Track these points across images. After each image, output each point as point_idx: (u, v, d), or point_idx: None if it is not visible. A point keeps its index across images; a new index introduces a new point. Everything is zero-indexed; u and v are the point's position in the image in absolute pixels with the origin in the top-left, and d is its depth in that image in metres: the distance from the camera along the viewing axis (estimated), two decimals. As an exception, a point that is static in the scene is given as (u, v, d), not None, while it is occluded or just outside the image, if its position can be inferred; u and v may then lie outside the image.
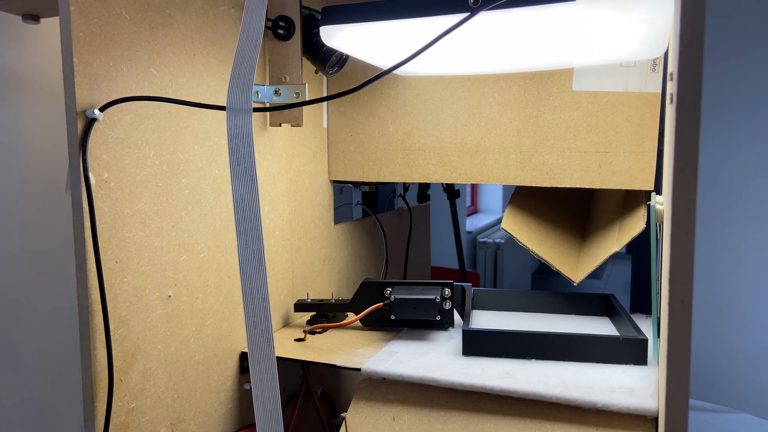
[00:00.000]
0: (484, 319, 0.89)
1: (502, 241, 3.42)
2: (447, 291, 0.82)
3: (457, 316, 0.87)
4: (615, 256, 0.83)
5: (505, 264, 3.43)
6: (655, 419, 0.61)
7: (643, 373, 0.68)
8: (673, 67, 0.44)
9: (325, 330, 0.86)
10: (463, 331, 0.75)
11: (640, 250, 2.51)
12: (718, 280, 1.79)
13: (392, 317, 0.81)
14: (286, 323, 0.90)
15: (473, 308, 0.94)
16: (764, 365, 1.74)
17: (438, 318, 0.80)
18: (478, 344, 0.74)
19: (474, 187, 4.25)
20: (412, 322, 0.85)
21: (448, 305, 0.82)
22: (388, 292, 0.82)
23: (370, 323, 0.86)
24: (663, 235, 0.58)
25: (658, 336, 0.69)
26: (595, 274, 0.91)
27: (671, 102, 0.44)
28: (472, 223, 3.74)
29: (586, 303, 0.90)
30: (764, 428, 1.50)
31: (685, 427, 0.40)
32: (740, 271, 1.77)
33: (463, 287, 0.84)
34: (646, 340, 0.70)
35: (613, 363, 0.71)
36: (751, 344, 1.76)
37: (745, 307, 1.77)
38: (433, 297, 0.79)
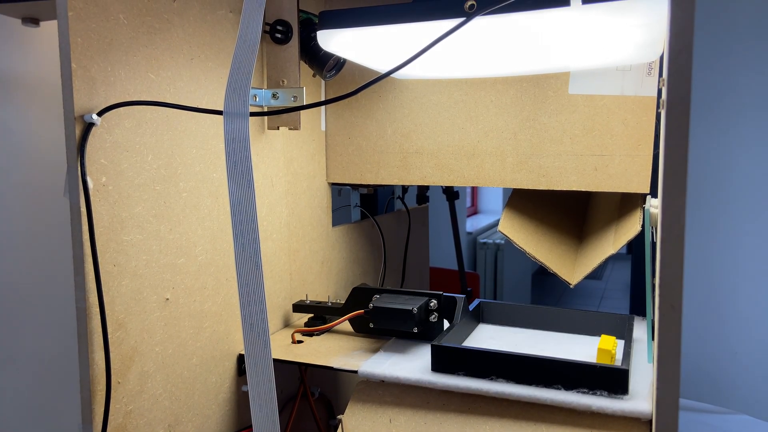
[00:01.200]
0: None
1: (502, 242, 3.42)
2: (434, 302, 0.79)
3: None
4: (615, 257, 0.83)
5: (505, 265, 3.43)
6: (650, 422, 0.61)
7: (638, 376, 0.68)
8: (664, 73, 0.45)
9: (312, 334, 0.86)
10: (431, 346, 0.71)
11: (640, 251, 2.51)
12: (716, 281, 1.79)
13: (371, 325, 0.80)
14: (285, 325, 0.91)
15: (482, 322, 0.91)
16: (762, 366, 1.74)
17: (415, 330, 0.77)
18: (446, 361, 0.70)
19: (474, 188, 4.25)
20: (390, 331, 0.83)
21: (434, 317, 0.79)
22: (375, 299, 0.80)
23: (361, 330, 0.86)
24: (657, 237, 0.58)
25: (653, 338, 0.69)
26: (595, 275, 0.91)
27: (663, 108, 0.45)
28: (472, 224, 3.74)
29: (603, 322, 0.84)
30: (762, 429, 1.51)
31: (676, 430, 0.40)
32: (739, 272, 1.77)
33: (454, 298, 0.82)
34: (625, 371, 0.63)
35: (588, 392, 0.64)
36: (749, 345, 1.76)
37: (743, 308, 1.77)
38: (410, 308, 0.76)
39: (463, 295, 0.82)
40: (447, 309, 0.82)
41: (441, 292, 0.81)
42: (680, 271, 0.38)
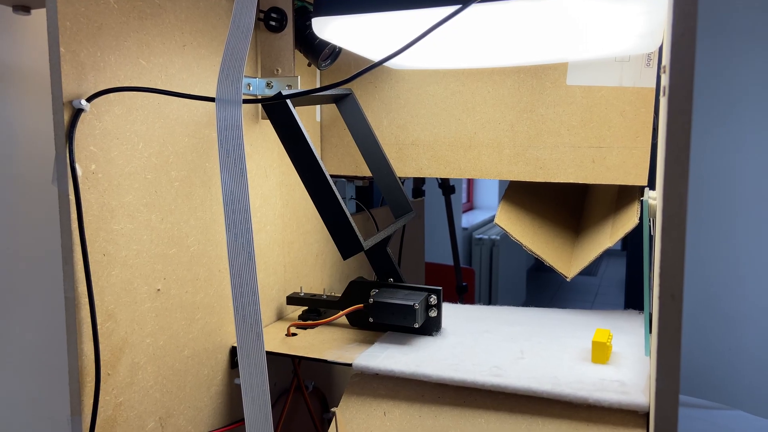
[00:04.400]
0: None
1: (498, 237, 3.42)
2: (433, 298, 0.78)
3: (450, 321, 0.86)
4: (610, 253, 0.82)
5: (500, 261, 3.43)
6: (647, 414, 0.61)
7: (634, 369, 0.68)
8: (666, 59, 0.44)
9: (306, 328, 0.85)
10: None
11: (634, 246, 2.52)
12: (713, 277, 1.79)
13: (370, 320, 0.79)
14: (278, 318, 0.90)
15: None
16: (758, 362, 1.74)
17: (416, 325, 0.76)
18: None
19: (470, 184, 4.24)
20: (391, 326, 0.82)
21: (434, 313, 0.79)
22: (374, 293, 0.79)
23: (357, 324, 0.84)
24: (656, 230, 0.58)
25: (650, 331, 0.69)
26: (589, 271, 0.89)
27: (664, 94, 0.44)
28: (467, 220, 3.73)
29: None
30: (757, 425, 1.51)
31: (676, 422, 0.39)
32: (735, 268, 1.77)
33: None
34: None
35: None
36: (745, 341, 1.76)
37: (738, 305, 1.77)
38: (411, 303, 0.75)
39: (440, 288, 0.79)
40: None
41: (440, 288, 0.79)
42: (681, 260, 0.38)
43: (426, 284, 0.83)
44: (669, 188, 0.38)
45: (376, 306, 0.77)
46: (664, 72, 0.46)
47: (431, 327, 0.80)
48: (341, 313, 0.81)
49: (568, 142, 0.84)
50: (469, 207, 4.27)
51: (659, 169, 0.59)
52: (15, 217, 0.89)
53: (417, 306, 0.75)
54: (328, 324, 0.86)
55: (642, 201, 0.73)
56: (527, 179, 0.87)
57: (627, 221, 0.80)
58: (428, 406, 0.68)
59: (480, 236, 3.48)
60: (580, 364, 0.69)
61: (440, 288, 0.79)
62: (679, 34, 0.36)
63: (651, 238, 0.68)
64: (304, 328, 0.85)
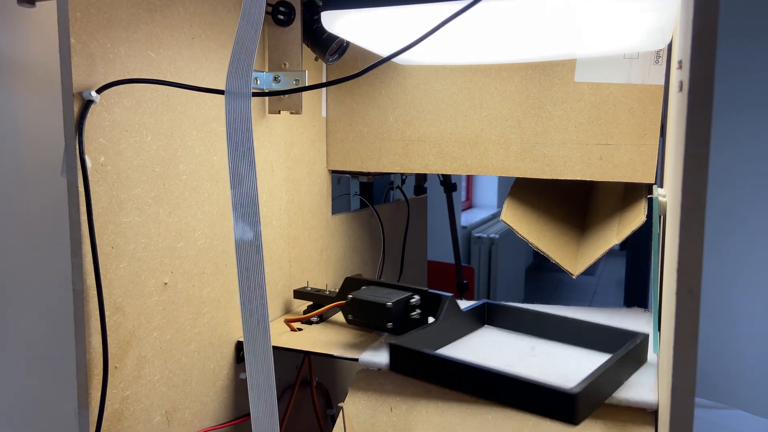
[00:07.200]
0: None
1: (497, 236, 3.41)
2: (416, 298, 0.74)
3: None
4: (609, 253, 0.81)
5: (499, 259, 3.43)
6: (655, 412, 0.61)
7: (643, 367, 0.68)
8: (683, 54, 0.43)
9: (303, 321, 0.85)
10: (389, 344, 0.68)
11: (634, 246, 2.52)
12: (711, 276, 1.80)
13: (349, 317, 0.77)
14: (284, 313, 0.89)
15: (487, 323, 0.83)
16: (757, 362, 1.74)
17: (390, 326, 0.72)
18: (403, 362, 0.68)
19: (469, 182, 4.24)
20: (367, 325, 0.78)
21: (416, 314, 0.74)
22: (361, 290, 0.77)
23: (349, 321, 0.82)
24: (666, 227, 0.57)
25: (659, 329, 0.69)
26: (588, 271, 0.88)
27: (680, 90, 0.43)
28: (466, 218, 3.73)
29: (618, 339, 0.70)
30: (756, 424, 1.51)
31: (691, 419, 0.39)
32: (734, 267, 1.77)
33: (439, 296, 0.75)
34: (572, 396, 0.56)
35: (537, 414, 0.59)
36: (744, 340, 1.77)
37: (738, 304, 1.77)
38: (386, 302, 0.71)
39: (450, 294, 0.74)
40: (432, 306, 0.75)
41: (426, 288, 0.76)
42: (700, 255, 0.37)
43: (428, 282, 0.82)
44: (688, 184, 0.38)
45: (354, 303, 0.75)
46: (680, 67, 0.46)
47: (406, 328, 0.74)
48: (322, 309, 0.80)
49: (576, 139, 0.84)
50: (468, 205, 4.27)
51: (670, 166, 0.58)
52: (20, 210, 0.88)
53: (390, 305, 0.71)
54: (334, 320, 0.86)
55: (650, 198, 0.72)
56: (534, 176, 0.87)
57: (634, 219, 0.79)
58: (435, 402, 0.68)
59: (479, 234, 3.48)
60: (589, 362, 0.69)
61: (426, 288, 0.74)
62: (700, 27, 0.36)
63: (659, 235, 0.68)
64: (306, 321, 0.85)
